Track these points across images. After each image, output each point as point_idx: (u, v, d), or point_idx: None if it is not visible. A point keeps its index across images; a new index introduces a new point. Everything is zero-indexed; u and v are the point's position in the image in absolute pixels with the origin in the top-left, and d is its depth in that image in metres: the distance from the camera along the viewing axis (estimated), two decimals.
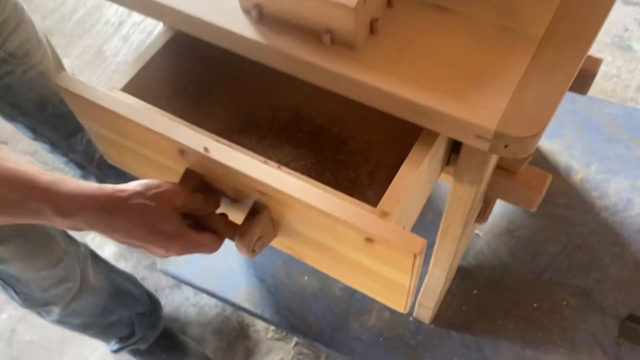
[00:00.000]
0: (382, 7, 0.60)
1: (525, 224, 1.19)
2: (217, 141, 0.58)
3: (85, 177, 1.23)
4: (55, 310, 0.94)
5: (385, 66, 0.57)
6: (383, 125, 0.73)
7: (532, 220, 1.20)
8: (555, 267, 1.14)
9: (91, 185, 0.50)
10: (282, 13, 0.59)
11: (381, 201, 0.55)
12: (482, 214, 0.88)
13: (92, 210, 0.49)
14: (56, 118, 1.03)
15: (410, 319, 1.11)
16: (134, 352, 1.22)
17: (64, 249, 0.90)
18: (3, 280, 0.85)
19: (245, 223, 0.55)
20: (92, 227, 0.50)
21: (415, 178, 0.57)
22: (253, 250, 0.55)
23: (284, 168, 0.58)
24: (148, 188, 0.52)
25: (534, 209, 0.82)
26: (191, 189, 0.57)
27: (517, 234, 1.18)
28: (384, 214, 0.54)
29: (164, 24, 0.71)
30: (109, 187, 0.51)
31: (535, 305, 1.10)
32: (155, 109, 0.64)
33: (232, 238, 0.55)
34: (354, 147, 0.76)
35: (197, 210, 0.56)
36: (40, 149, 1.14)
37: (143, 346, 1.20)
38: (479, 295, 1.12)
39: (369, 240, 0.49)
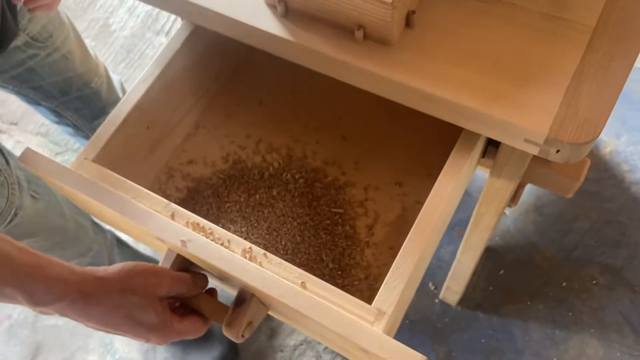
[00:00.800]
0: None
1: (553, 201, 1.16)
2: (198, 224, 0.54)
3: None
4: None
5: (423, 63, 0.53)
6: (382, 165, 0.69)
7: (560, 196, 1.16)
8: (584, 245, 1.12)
9: (74, 271, 0.47)
10: (310, 8, 0.55)
11: (378, 294, 0.50)
12: (513, 198, 0.85)
13: (66, 302, 0.46)
14: (80, 101, 1.01)
15: (436, 301, 1.10)
16: None
17: (93, 238, 0.89)
18: None
19: (233, 312, 0.52)
20: (64, 315, 0.48)
21: (449, 203, 0.53)
22: (242, 336, 0.53)
23: (269, 256, 0.53)
24: (131, 275, 0.49)
25: (570, 195, 0.79)
26: (177, 267, 0.55)
27: (545, 211, 1.15)
28: (380, 315, 0.49)
29: (182, 19, 0.66)
30: (91, 275, 0.48)
31: (564, 284, 1.08)
32: (129, 183, 0.58)
33: (220, 322, 0.53)
34: (350, 196, 0.69)
35: (184, 294, 0.54)
36: (63, 131, 1.12)
37: None
38: (506, 275, 1.10)
39: (363, 350, 0.47)
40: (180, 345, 1.22)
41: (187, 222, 0.55)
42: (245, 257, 0.52)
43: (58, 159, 1.54)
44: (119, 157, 0.62)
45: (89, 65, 1.02)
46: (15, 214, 0.73)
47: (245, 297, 0.52)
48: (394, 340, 0.46)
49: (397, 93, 0.54)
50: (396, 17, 0.51)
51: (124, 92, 1.16)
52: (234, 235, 0.54)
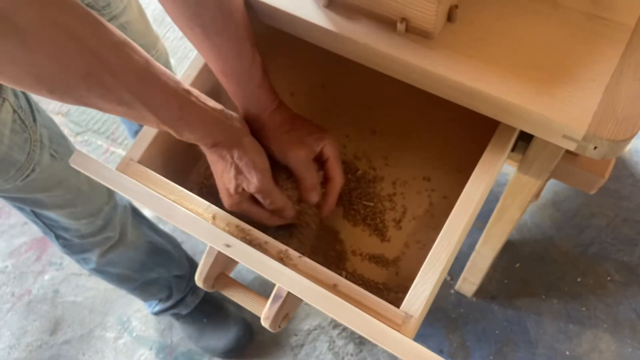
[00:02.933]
0: None
1: (570, 197, 1.17)
2: (237, 226, 0.58)
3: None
4: (93, 259, 0.96)
5: (464, 57, 0.54)
6: (410, 159, 0.71)
7: (577, 192, 1.17)
8: (601, 241, 1.13)
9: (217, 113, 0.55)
10: (353, 1, 0.56)
11: (407, 298, 0.52)
12: (535, 193, 0.86)
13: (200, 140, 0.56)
14: None
15: (452, 291, 1.11)
16: (176, 316, 1.25)
17: (106, 201, 0.91)
18: (44, 224, 0.87)
19: (271, 306, 0.54)
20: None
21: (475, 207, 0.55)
22: (279, 327, 0.56)
23: (304, 258, 0.55)
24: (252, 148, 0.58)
25: (593, 192, 0.80)
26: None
27: (562, 207, 1.16)
28: (408, 318, 0.50)
29: None
30: (228, 133, 0.56)
31: (579, 280, 1.10)
32: (171, 185, 0.61)
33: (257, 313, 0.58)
34: (380, 190, 0.70)
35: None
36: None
37: (185, 311, 1.22)
38: (522, 268, 1.12)
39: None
40: (197, 325, 1.25)
41: (227, 224, 0.57)
42: (281, 259, 0.54)
43: (78, 139, 1.56)
44: (162, 156, 0.64)
45: (148, 38, 1.03)
46: (33, 170, 0.74)
47: (282, 294, 0.54)
48: (420, 346, 0.48)
49: (438, 86, 0.55)
50: (440, 12, 0.52)
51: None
52: (269, 238, 0.56)
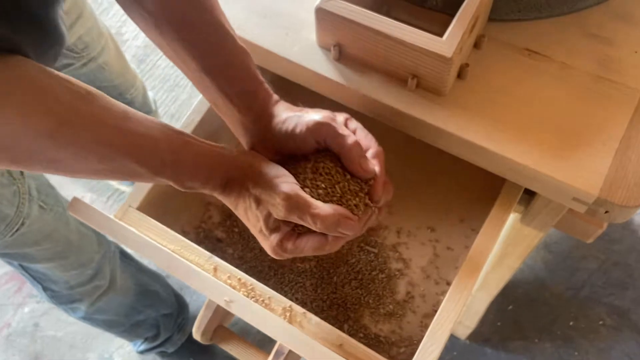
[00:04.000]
0: (471, 51, 0.57)
1: (562, 239, 1.18)
2: (239, 280, 0.56)
3: None
4: (82, 308, 0.94)
5: (474, 116, 0.54)
6: (415, 208, 0.70)
7: (568, 235, 1.18)
8: (592, 284, 1.13)
9: (214, 155, 0.46)
10: (365, 54, 0.55)
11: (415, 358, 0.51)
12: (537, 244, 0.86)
13: (209, 187, 0.46)
14: None
15: None
16: (162, 354, 1.22)
17: (96, 249, 0.89)
18: (32, 276, 0.84)
19: None
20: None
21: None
22: None
23: (309, 315, 0.54)
24: (257, 181, 0.46)
25: (590, 241, 0.80)
26: None
27: (554, 249, 1.17)
28: None
29: None
30: (240, 163, 0.47)
31: (571, 323, 1.10)
32: (172, 233, 0.59)
33: None
34: (383, 239, 0.69)
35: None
36: None
37: (171, 349, 1.19)
38: (514, 311, 1.11)
39: None
40: None
41: (229, 276, 0.56)
42: (285, 316, 0.53)
43: None
44: (162, 200, 0.63)
45: (126, 77, 1.03)
46: (22, 223, 0.72)
47: (284, 351, 0.53)
48: None
49: (447, 143, 0.54)
50: (452, 71, 0.52)
51: (157, 108, 1.17)
52: (274, 293, 0.55)
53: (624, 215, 0.50)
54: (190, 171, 0.45)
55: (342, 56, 0.57)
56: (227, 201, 0.48)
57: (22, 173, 0.72)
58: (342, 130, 0.46)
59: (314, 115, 0.47)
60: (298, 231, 0.47)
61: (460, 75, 0.55)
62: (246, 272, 0.68)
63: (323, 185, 0.46)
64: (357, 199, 0.46)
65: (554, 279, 1.13)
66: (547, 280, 1.13)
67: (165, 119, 1.57)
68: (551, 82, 0.55)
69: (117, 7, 1.81)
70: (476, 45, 0.57)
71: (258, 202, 0.45)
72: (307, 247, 0.46)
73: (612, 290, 1.12)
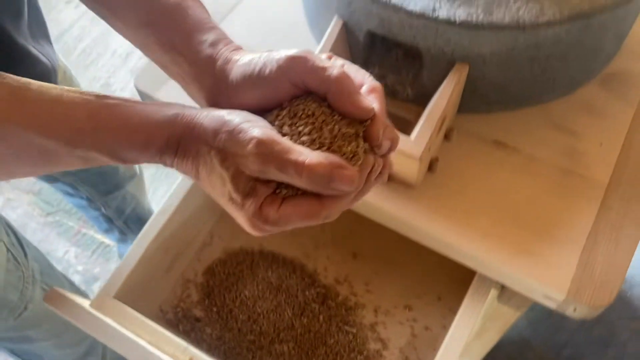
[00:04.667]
0: (441, 143, 0.58)
1: None
2: None
3: (109, 230, 1.20)
4: None
5: (444, 209, 0.55)
6: (392, 286, 0.70)
7: None
8: (574, 342, 1.13)
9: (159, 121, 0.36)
10: None
11: None
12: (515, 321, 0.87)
13: (150, 155, 0.36)
14: (98, 176, 1.02)
15: None
16: None
17: None
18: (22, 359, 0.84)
19: None
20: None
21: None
22: None
23: None
24: (217, 132, 0.35)
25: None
26: None
27: (536, 306, 1.17)
28: None
29: None
30: (185, 120, 0.36)
31: None
32: (149, 324, 0.58)
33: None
34: (361, 318, 0.69)
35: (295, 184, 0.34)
36: (74, 205, 1.12)
37: None
38: None
39: None
40: None
41: None
42: None
43: (49, 220, 1.52)
44: (138, 287, 0.63)
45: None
46: (26, 308, 0.72)
47: None
48: None
49: (418, 236, 0.55)
50: (421, 167, 0.54)
51: (141, 172, 1.18)
52: None
53: (593, 312, 0.51)
54: (119, 138, 0.35)
55: None
56: (184, 169, 0.37)
57: (26, 256, 0.72)
58: (324, 62, 0.35)
59: (285, 51, 0.36)
60: (282, 195, 0.35)
61: (430, 168, 0.57)
62: (224, 354, 0.68)
63: (306, 130, 0.35)
64: (352, 144, 0.35)
65: (537, 337, 1.13)
66: (530, 340, 1.13)
67: (150, 170, 1.57)
68: (519, 174, 0.57)
69: (105, 58, 1.83)
70: (446, 137, 0.59)
71: (222, 156, 0.34)
72: (295, 214, 0.34)
73: (594, 348, 1.12)
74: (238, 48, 0.40)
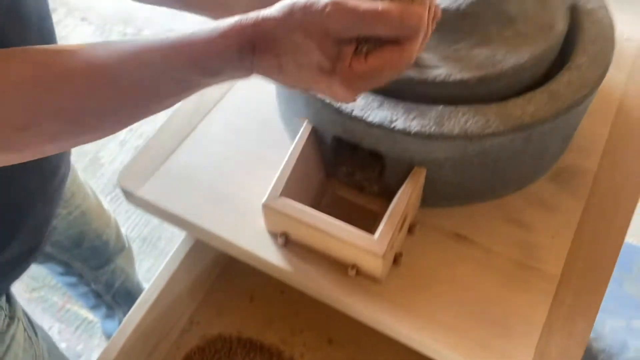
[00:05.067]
0: (405, 237, 0.62)
1: None
2: None
3: (96, 306, 1.22)
4: None
5: (409, 303, 0.58)
6: None
7: None
8: None
9: (226, 25, 0.40)
10: (309, 244, 0.61)
11: None
12: None
13: (235, 61, 0.40)
14: (90, 251, 1.04)
15: None
16: None
17: None
18: None
19: None
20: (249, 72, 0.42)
21: None
22: None
23: None
24: (291, 13, 0.39)
25: None
26: None
27: None
28: None
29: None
30: (246, 23, 0.40)
31: None
32: None
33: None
34: None
35: (380, 34, 0.39)
36: (64, 285, 1.14)
37: None
38: None
39: None
40: None
41: None
42: None
43: (34, 295, 1.52)
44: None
45: (103, 219, 1.06)
46: None
47: None
48: None
49: (385, 330, 0.58)
50: (385, 263, 0.57)
51: (130, 245, 1.21)
52: None
53: None
54: (200, 53, 0.40)
55: (288, 243, 0.62)
56: (266, 64, 0.40)
57: (36, 335, 0.73)
58: None
59: None
60: (365, 51, 0.40)
61: (395, 262, 0.60)
62: None
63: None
64: None
65: None
66: None
67: (137, 243, 1.60)
68: (477, 268, 0.60)
69: None
70: (410, 231, 0.63)
71: (304, 30, 0.38)
72: (381, 62, 0.39)
73: None
74: None
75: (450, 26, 0.59)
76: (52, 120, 0.39)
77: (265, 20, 0.40)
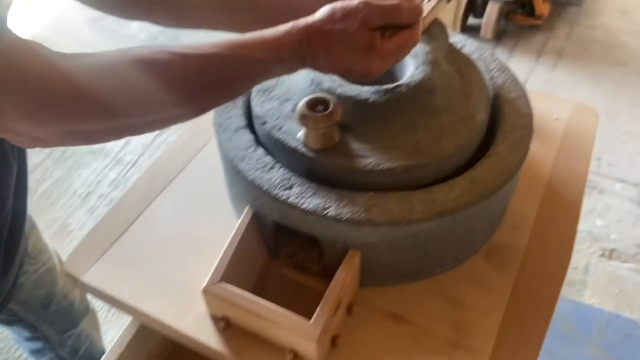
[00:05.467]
0: (343, 318, 0.64)
1: None
2: None
3: None
4: None
5: None
6: None
7: None
8: None
9: (286, 31, 0.54)
10: (249, 328, 0.62)
11: None
12: None
13: (298, 50, 0.54)
14: (57, 314, 1.04)
15: None
16: None
17: None
18: None
19: None
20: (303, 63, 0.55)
21: None
22: None
23: None
24: (333, 14, 0.54)
25: None
26: None
27: None
28: None
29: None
30: (300, 27, 0.54)
31: None
32: None
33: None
34: None
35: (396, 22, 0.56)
36: (29, 352, 1.12)
37: None
38: None
39: None
40: None
41: None
42: None
43: None
44: None
45: (69, 279, 1.07)
46: None
47: None
48: None
49: None
50: (321, 348, 0.59)
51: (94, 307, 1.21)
52: None
53: None
54: (274, 43, 0.54)
55: (229, 327, 0.63)
56: (321, 51, 0.54)
57: None
58: None
59: None
60: (389, 35, 0.56)
61: (333, 344, 0.62)
62: None
63: None
64: None
65: None
66: None
67: (102, 312, 1.58)
68: (413, 347, 0.62)
69: (65, 199, 1.90)
70: (348, 311, 0.65)
71: (345, 21, 0.54)
72: (403, 39, 0.56)
73: None
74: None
75: (379, 117, 0.64)
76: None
77: (314, 22, 0.54)
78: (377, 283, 0.67)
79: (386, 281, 0.67)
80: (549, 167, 0.79)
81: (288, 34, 0.54)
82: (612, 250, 1.66)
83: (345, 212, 0.59)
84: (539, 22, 2.35)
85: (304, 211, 0.60)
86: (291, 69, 0.56)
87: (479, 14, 2.32)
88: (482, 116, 0.66)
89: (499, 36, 2.39)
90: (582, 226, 1.72)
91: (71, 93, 0.47)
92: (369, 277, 0.66)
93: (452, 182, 0.62)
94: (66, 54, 0.48)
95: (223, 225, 0.72)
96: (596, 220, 1.74)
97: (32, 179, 1.97)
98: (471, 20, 2.41)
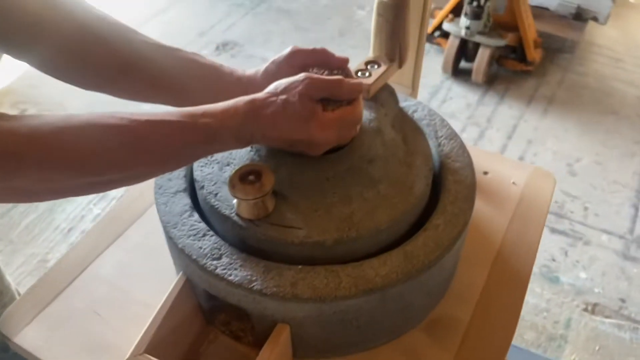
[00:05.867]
0: None
1: None
2: None
3: None
4: None
5: None
6: None
7: None
8: None
9: (233, 103, 0.57)
10: None
11: None
12: None
13: (245, 119, 0.56)
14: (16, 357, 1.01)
15: None
16: None
17: None
18: None
19: None
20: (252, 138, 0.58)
21: None
22: None
23: None
24: (277, 86, 0.58)
25: None
26: None
27: None
28: None
29: None
30: (247, 100, 0.57)
31: None
32: None
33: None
34: None
35: (337, 97, 0.60)
36: None
37: None
38: None
39: None
40: None
41: None
42: None
43: None
44: None
45: None
46: None
47: None
48: None
49: None
50: None
51: None
52: None
53: None
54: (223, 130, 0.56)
55: None
56: (264, 124, 0.57)
57: None
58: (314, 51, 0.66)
59: (284, 52, 0.66)
60: (331, 108, 0.60)
61: None
62: None
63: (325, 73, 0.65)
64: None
65: None
66: None
67: None
68: None
69: (47, 233, 1.90)
70: None
71: (289, 93, 0.57)
72: (343, 113, 0.60)
73: None
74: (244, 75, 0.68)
75: (315, 186, 0.63)
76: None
77: (260, 95, 0.58)
78: (312, 356, 0.65)
79: (320, 354, 0.65)
80: (502, 233, 0.78)
81: (234, 105, 0.56)
82: (595, 305, 1.62)
83: (271, 286, 0.58)
84: (530, 68, 2.36)
85: (231, 283, 0.59)
86: (238, 141, 0.57)
87: (471, 58, 2.34)
88: (421, 187, 0.65)
89: (491, 81, 2.40)
90: (566, 279, 1.69)
91: (13, 149, 0.47)
92: (301, 350, 0.64)
93: (384, 256, 0.60)
94: (17, 116, 0.48)
95: (164, 288, 0.71)
96: (580, 273, 1.70)
97: (16, 212, 1.98)
98: (463, 64, 2.42)
